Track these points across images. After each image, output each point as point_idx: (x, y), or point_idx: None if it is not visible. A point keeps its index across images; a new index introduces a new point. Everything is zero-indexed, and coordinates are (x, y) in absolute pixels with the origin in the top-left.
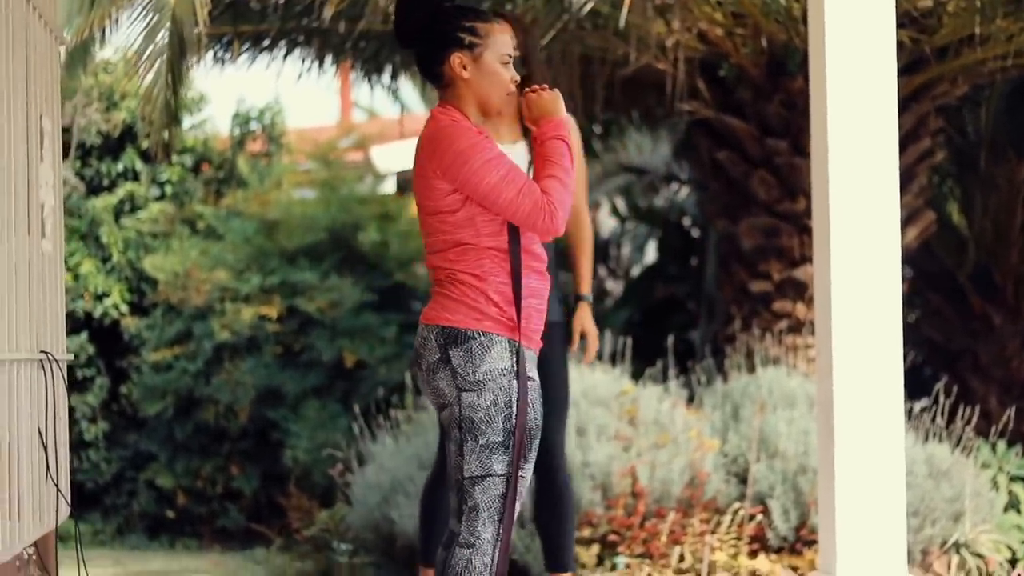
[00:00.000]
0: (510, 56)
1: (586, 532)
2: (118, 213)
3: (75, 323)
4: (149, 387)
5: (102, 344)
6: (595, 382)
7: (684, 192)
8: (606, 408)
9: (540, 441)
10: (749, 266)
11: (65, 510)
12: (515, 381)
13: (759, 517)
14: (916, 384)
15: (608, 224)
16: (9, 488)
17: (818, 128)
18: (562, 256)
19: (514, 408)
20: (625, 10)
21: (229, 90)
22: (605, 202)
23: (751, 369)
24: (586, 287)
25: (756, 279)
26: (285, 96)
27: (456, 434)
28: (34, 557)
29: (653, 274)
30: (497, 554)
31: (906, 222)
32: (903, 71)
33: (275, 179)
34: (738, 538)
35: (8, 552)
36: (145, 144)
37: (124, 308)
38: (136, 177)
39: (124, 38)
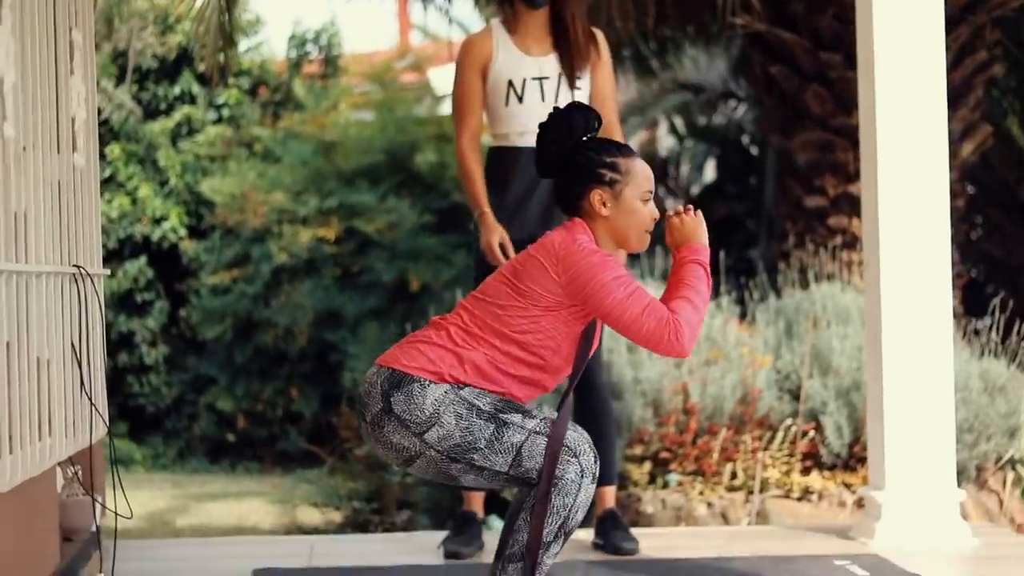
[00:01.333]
0: (651, 192)
1: (638, 449)
2: (175, 137)
3: (134, 247)
4: (208, 311)
5: (161, 268)
6: None
7: (742, 110)
8: None
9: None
10: (804, 182)
11: (102, 427)
12: (460, 391)
13: (812, 434)
14: (978, 302)
15: (667, 142)
16: (40, 404)
17: (864, 40)
18: None
19: (477, 402)
20: None
21: (285, 13)
22: (663, 120)
23: (805, 285)
24: None
25: (811, 195)
26: (342, 19)
27: (456, 466)
28: (78, 475)
29: (712, 193)
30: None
31: (962, 136)
32: None
33: (332, 101)
34: (791, 455)
35: (37, 468)
36: (201, 67)
37: (182, 231)
38: (193, 100)
39: None
